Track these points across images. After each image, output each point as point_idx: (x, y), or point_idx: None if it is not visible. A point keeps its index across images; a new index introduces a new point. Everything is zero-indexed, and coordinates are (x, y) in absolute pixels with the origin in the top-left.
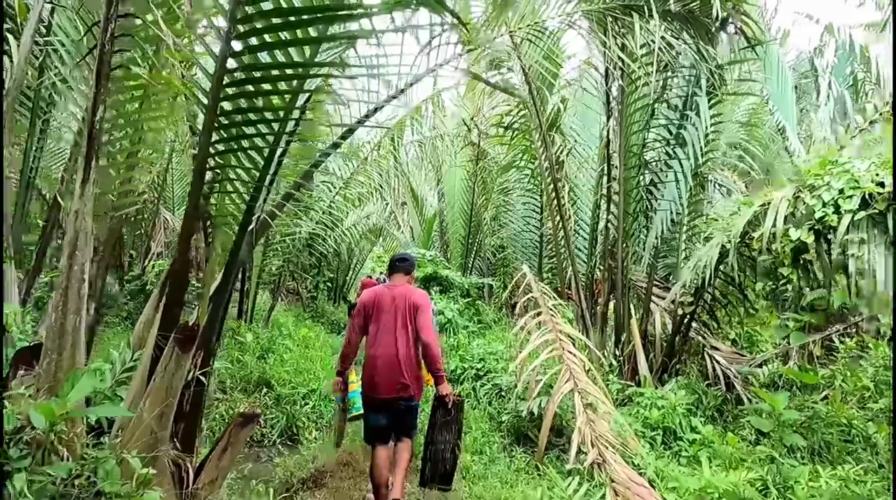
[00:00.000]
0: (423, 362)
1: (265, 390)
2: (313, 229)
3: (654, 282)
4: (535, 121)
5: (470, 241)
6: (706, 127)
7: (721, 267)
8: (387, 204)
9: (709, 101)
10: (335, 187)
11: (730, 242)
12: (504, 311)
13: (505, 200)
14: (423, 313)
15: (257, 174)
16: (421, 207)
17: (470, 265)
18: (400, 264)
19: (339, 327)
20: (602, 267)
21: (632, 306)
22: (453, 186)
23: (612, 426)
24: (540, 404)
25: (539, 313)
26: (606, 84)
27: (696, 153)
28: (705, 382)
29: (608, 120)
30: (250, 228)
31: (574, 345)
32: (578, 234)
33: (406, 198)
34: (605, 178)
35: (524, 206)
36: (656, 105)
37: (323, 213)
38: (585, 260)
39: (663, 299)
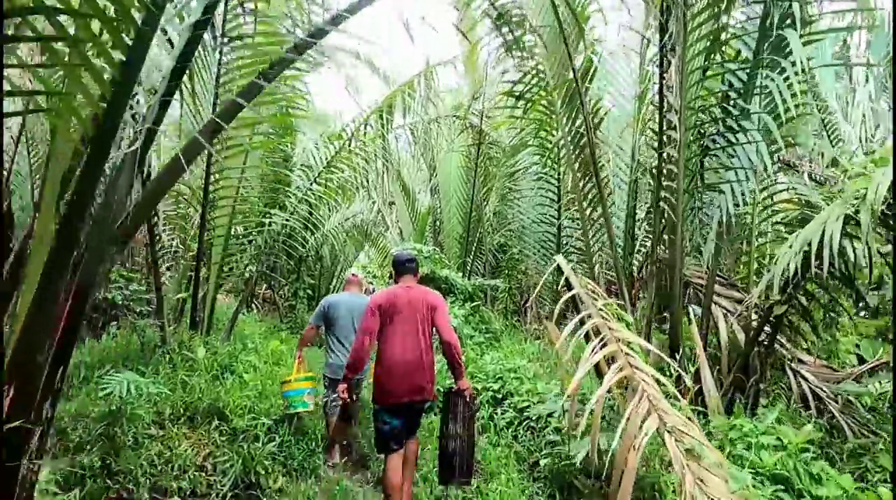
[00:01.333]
0: (446, 360)
1: (216, 422)
2: (287, 221)
3: (716, 277)
4: (558, 77)
5: (469, 239)
6: (801, 69)
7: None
8: (373, 202)
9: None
10: (312, 172)
11: (857, 212)
12: (512, 318)
13: (512, 187)
14: (442, 314)
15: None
16: (412, 202)
17: (469, 267)
18: (409, 265)
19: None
20: (645, 260)
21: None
22: (449, 177)
23: (730, 485)
24: (600, 447)
25: (582, 319)
26: (662, 16)
27: (784, 107)
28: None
29: (662, 66)
30: (125, 145)
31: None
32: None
33: (395, 193)
34: (638, 146)
35: (537, 193)
36: (714, 48)
37: (299, 201)
38: (621, 253)
39: (727, 299)
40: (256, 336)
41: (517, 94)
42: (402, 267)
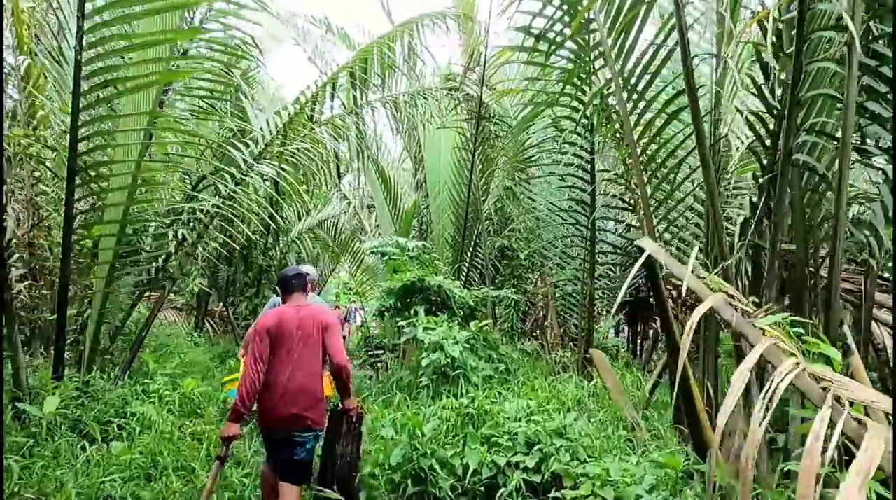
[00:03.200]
0: (335, 383)
1: None
2: (219, 208)
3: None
4: None
5: (464, 241)
6: None
7: None
8: (349, 203)
9: None
10: (259, 144)
11: None
12: (521, 340)
13: (521, 169)
14: (333, 335)
15: None
16: (394, 197)
17: (465, 275)
18: (296, 282)
19: None
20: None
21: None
22: (437, 164)
23: None
24: None
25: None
26: None
27: None
28: None
29: None
30: None
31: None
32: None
33: (372, 186)
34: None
35: (562, 171)
36: None
37: (238, 183)
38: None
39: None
40: (167, 371)
41: (537, 32)
42: (289, 285)
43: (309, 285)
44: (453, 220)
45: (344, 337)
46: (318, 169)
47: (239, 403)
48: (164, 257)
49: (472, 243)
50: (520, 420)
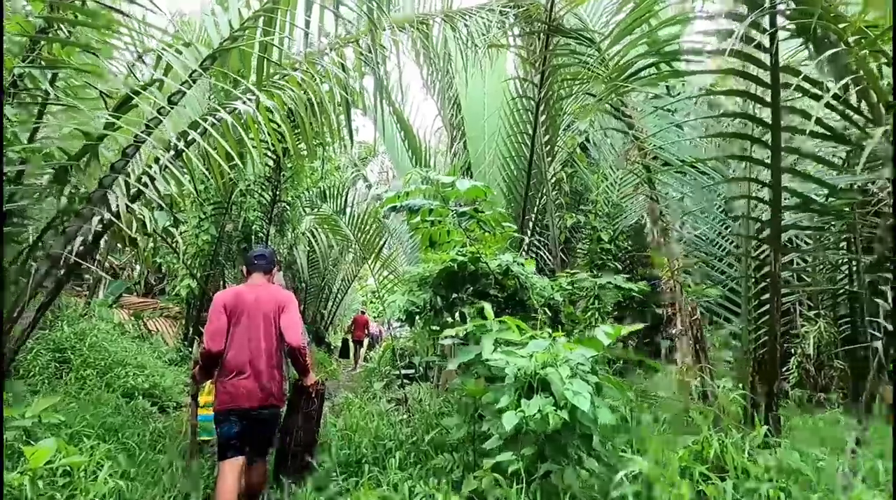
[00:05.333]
0: (292, 364)
1: None
2: (140, 135)
3: None
4: None
5: (524, 215)
6: None
7: None
8: (369, 186)
9: None
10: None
11: None
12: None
13: (623, 89)
14: (289, 313)
15: None
16: (423, 162)
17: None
18: (258, 263)
19: None
20: None
21: None
22: (481, 113)
23: None
24: None
25: None
26: None
27: None
28: None
29: None
30: None
31: None
32: None
33: (395, 149)
34: None
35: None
36: None
37: (171, 103)
38: None
39: None
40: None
41: None
42: (251, 265)
43: (274, 270)
44: (505, 191)
45: (372, 346)
46: (323, 122)
47: (196, 380)
48: (42, 217)
49: (533, 217)
50: None
